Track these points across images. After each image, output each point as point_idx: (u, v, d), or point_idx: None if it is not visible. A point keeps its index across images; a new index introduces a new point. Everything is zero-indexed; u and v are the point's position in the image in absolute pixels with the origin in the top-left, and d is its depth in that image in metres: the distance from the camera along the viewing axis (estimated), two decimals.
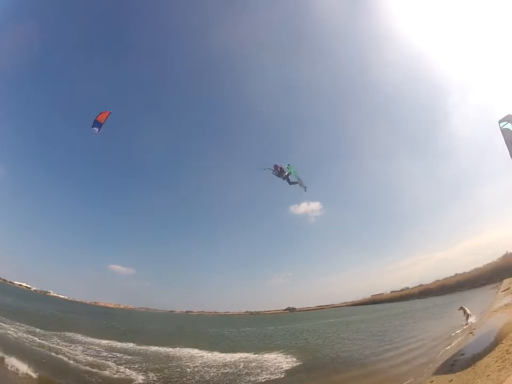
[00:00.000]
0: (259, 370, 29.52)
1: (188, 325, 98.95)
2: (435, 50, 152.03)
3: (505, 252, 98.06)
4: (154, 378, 26.03)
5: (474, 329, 33.19)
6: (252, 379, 26.66)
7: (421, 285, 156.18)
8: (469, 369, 19.25)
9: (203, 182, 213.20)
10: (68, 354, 30.98)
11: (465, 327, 36.78)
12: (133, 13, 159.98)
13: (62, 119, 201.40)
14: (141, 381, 25.23)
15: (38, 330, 41.22)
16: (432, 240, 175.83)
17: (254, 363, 33.07)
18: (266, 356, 36.47)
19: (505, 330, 24.23)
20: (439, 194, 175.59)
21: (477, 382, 16.37)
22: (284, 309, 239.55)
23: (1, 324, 39.49)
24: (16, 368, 23.60)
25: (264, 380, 26.59)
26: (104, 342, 40.93)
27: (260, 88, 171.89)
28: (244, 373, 28.99)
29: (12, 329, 37.21)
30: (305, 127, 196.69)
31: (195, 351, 39.29)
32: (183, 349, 40.81)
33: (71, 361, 28.43)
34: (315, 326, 77.01)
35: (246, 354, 37.30)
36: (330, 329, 65.01)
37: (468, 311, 39.57)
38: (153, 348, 40.11)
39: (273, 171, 26.81)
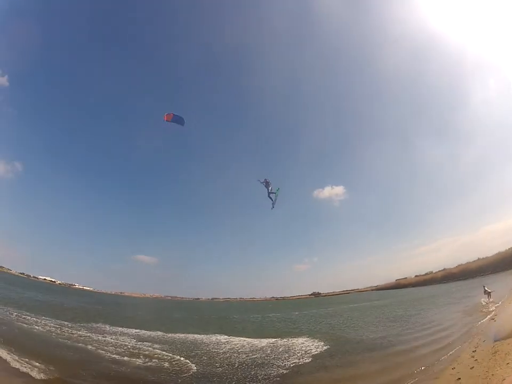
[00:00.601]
0: (287, 355, 30.36)
1: (213, 312, 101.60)
2: (454, 30, 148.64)
3: None
4: (184, 364, 27.11)
5: (495, 315, 33.58)
6: (281, 364, 27.36)
7: (444, 269, 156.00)
8: (490, 356, 19.46)
9: (227, 169, 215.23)
10: (97, 345, 32.45)
11: (488, 304, 37.43)
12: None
13: (82, 115, 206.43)
14: (168, 366, 26.50)
15: (66, 323, 42.84)
16: (456, 224, 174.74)
17: (282, 348, 34.06)
18: (292, 341, 37.45)
19: None
20: (462, 177, 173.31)
21: (497, 370, 16.61)
22: (309, 294, 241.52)
23: (28, 318, 41.25)
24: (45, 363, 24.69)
25: (293, 364, 27.27)
26: (133, 331, 42.51)
27: (280, 69, 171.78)
28: (272, 358, 29.86)
29: (39, 324, 38.88)
30: (327, 111, 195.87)
31: (222, 337, 40.55)
32: (210, 335, 42.22)
33: (102, 352, 29.81)
34: (340, 311, 78.76)
35: (273, 340, 38.39)
36: (354, 314, 66.57)
37: (489, 290, 40.65)
38: (181, 335, 41.43)
39: (263, 182, 31.19)
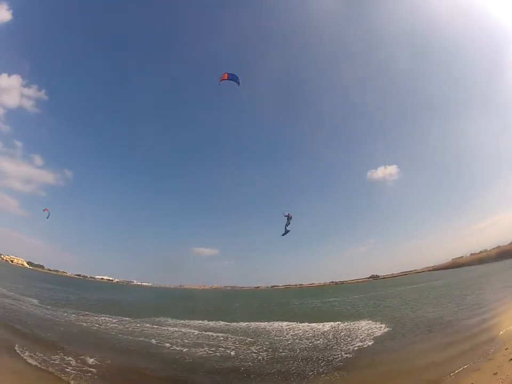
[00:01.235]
0: (349, 339, 31.09)
1: (274, 299, 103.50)
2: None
3: None
4: (248, 352, 28.32)
5: None
6: (344, 348, 28.04)
7: (498, 247, 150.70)
8: None
9: (281, 159, 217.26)
10: (160, 338, 34.41)
11: None
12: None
13: (126, 117, 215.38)
14: (233, 355, 27.74)
15: (126, 318, 45.54)
16: (509, 199, 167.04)
17: (344, 332, 34.81)
18: (354, 324, 38.20)
19: None
20: None
21: None
22: (368, 277, 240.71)
23: (87, 318, 43.97)
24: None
25: (356, 348, 27.90)
26: (196, 322, 44.44)
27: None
28: (334, 342, 30.62)
29: (99, 322, 41.33)
30: (374, 92, 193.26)
31: (284, 324, 41.78)
32: (272, 322, 43.60)
33: (166, 344, 31.59)
34: (398, 293, 79.15)
35: (334, 324, 39.23)
36: (413, 295, 66.61)
37: None
38: (243, 324, 42.93)
39: (286, 216, 31.89)
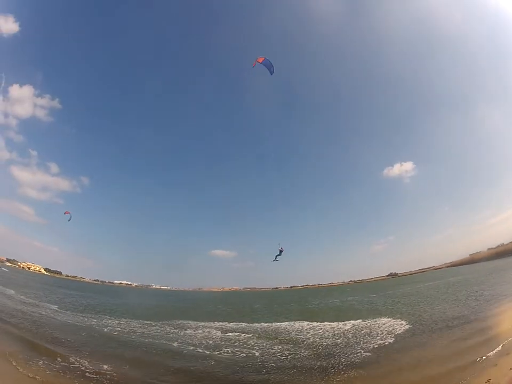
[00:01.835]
0: (369, 338, 31.62)
1: (293, 300, 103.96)
2: None
3: None
4: (272, 352, 29.02)
5: None
6: (364, 346, 28.59)
7: None
8: None
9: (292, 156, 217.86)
10: (184, 339, 35.42)
11: None
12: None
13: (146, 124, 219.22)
14: (258, 355, 28.44)
15: (148, 322, 46.46)
16: None
17: (364, 330, 35.35)
18: (373, 322, 38.74)
19: None
20: None
21: None
22: (386, 275, 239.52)
23: (108, 322, 45.15)
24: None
25: (377, 345, 28.44)
26: (217, 324, 45.20)
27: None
28: (355, 340, 31.29)
29: (120, 326, 42.50)
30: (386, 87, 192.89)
31: (305, 324, 42.32)
32: (293, 322, 44.25)
33: (190, 347, 32.26)
34: (416, 290, 79.33)
35: (354, 322, 39.81)
36: (431, 292, 66.81)
37: None
38: (264, 324, 43.83)
39: (280, 249, 37.66)
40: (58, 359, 24.68)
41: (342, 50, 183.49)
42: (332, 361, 25.06)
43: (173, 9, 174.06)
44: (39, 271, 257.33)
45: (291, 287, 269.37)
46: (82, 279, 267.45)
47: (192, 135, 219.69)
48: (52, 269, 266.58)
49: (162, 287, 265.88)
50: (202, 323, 46.27)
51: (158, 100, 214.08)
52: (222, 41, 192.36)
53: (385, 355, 25.74)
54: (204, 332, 39.89)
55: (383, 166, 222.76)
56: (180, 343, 33.95)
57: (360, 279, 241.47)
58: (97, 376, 22.05)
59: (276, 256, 37.52)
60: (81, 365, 24.04)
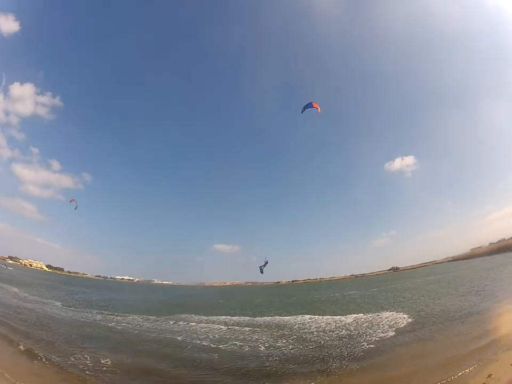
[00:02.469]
0: (371, 331, 32.03)
1: (295, 294, 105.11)
2: None
3: None
4: (277, 346, 29.38)
5: None
6: (367, 339, 29.03)
7: None
8: None
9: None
10: (188, 333, 35.85)
11: None
12: None
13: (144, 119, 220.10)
14: (263, 348, 28.79)
15: (152, 317, 47.01)
16: None
17: (365, 324, 35.85)
18: (374, 316, 39.24)
19: None
20: None
21: None
22: (388, 269, 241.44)
23: (112, 317, 45.66)
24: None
25: (378, 338, 28.91)
26: (221, 318, 45.86)
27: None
28: (357, 333, 31.75)
29: (124, 322, 42.83)
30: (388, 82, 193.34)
31: (307, 317, 42.83)
32: (295, 316, 44.88)
33: (196, 341, 32.54)
34: (417, 285, 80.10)
35: (356, 316, 40.52)
36: (431, 287, 67.13)
37: None
38: (267, 318, 44.41)
39: (265, 261, 37.79)
40: (62, 355, 24.96)
41: (343, 48, 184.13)
42: (334, 354, 25.42)
43: (173, 6, 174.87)
44: (41, 268, 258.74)
45: (293, 281, 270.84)
46: (84, 275, 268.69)
47: (195, 132, 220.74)
48: (54, 265, 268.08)
49: (164, 282, 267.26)
50: (206, 317, 46.87)
51: (159, 97, 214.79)
52: (222, 41, 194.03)
53: (386, 348, 26.03)
54: (207, 325, 40.44)
55: (384, 160, 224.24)
56: (185, 336, 34.39)
57: (362, 273, 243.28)
58: (101, 372, 22.22)
59: (261, 267, 38.26)
60: (85, 360, 24.28)
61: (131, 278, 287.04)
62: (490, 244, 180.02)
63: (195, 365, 24.75)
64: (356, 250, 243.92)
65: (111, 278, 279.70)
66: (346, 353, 25.45)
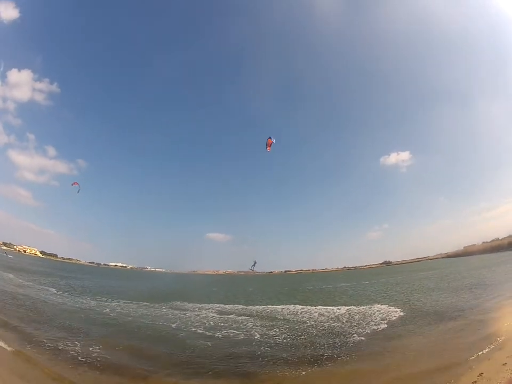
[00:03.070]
0: (363, 323, 32.15)
1: (287, 284, 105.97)
2: None
3: None
4: (270, 335, 29.56)
5: None
6: (359, 331, 29.12)
7: (510, 236, 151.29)
8: None
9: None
10: (182, 321, 36.14)
11: None
12: None
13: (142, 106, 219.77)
14: (260, 337, 28.82)
15: (145, 303, 47.79)
16: None
17: (358, 316, 36.00)
18: (367, 309, 39.34)
19: None
20: None
21: None
22: (380, 262, 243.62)
23: (107, 304, 46.27)
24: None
25: (370, 331, 28.97)
26: (215, 306, 46.20)
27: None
28: (349, 325, 31.85)
29: (119, 308, 43.54)
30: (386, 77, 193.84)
31: (299, 307, 43.12)
32: (288, 305, 45.09)
33: (192, 328, 32.89)
34: (409, 279, 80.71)
35: (348, 307, 40.63)
36: (424, 282, 67.89)
37: None
38: (260, 307, 44.69)
39: (254, 262, 42.70)
40: (55, 341, 24.89)
41: (342, 45, 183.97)
42: (326, 344, 25.58)
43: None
44: (34, 254, 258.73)
45: (285, 271, 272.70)
46: (77, 262, 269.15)
47: (190, 120, 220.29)
48: (48, 251, 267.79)
49: (157, 270, 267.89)
50: (199, 305, 47.16)
51: (157, 84, 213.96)
52: (222, 40, 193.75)
53: (377, 341, 26.11)
54: (201, 313, 40.78)
55: (379, 155, 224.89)
56: (179, 323, 34.73)
57: (354, 265, 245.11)
58: (92, 357, 22.21)
59: (250, 268, 42.85)
60: (75, 346, 24.26)
61: (124, 265, 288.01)
62: (484, 242, 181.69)
63: (188, 352, 24.85)
64: (349, 243, 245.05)
65: (104, 264, 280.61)
66: (338, 344, 25.61)
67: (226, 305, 46.80)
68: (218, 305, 47.23)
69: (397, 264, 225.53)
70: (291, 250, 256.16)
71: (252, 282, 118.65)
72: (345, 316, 36.42)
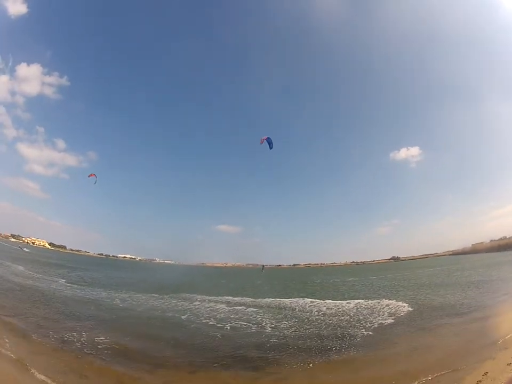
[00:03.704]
0: (371, 318, 32.12)
1: (295, 278, 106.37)
2: None
3: None
4: (279, 327, 29.93)
5: None
6: (367, 325, 29.22)
7: None
8: None
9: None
10: (193, 312, 36.57)
11: None
12: None
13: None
14: (269, 330, 29.12)
15: (155, 295, 48.23)
16: None
17: (366, 310, 36.12)
18: (374, 303, 39.48)
19: None
20: None
21: None
22: (389, 258, 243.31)
23: (116, 295, 46.88)
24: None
25: (377, 326, 29.06)
26: (224, 298, 46.58)
27: None
28: (357, 319, 32.00)
29: (130, 299, 44.03)
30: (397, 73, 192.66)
31: (307, 300, 43.49)
32: (297, 299, 45.44)
33: (202, 319, 33.37)
34: (416, 275, 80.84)
35: (356, 302, 40.95)
36: (431, 279, 67.49)
37: None
38: (268, 300, 44.87)
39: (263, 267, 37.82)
40: (62, 332, 25.05)
41: (350, 40, 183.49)
42: (334, 338, 25.72)
43: None
44: (43, 245, 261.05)
45: (294, 265, 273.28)
46: (86, 253, 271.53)
47: (201, 114, 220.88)
48: (56, 243, 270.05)
49: (166, 262, 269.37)
50: (208, 297, 47.56)
51: (167, 76, 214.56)
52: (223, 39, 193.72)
53: (385, 337, 26.02)
54: (210, 305, 41.18)
55: (389, 150, 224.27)
56: (189, 315, 35.06)
57: (362, 260, 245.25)
58: (101, 350, 22.27)
59: (261, 270, 40.81)
60: (85, 338, 24.21)
61: (133, 257, 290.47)
62: (492, 240, 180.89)
63: (197, 344, 25.10)
64: (358, 238, 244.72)
65: (113, 256, 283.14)
66: (346, 338, 25.67)
67: (235, 298, 47.17)
68: (227, 297, 47.59)
69: (405, 260, 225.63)
70: (300, 244, 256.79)
71: (260, 276, 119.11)
72: (353, 310, 36.55)
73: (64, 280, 56.96)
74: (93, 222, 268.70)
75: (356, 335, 26.49)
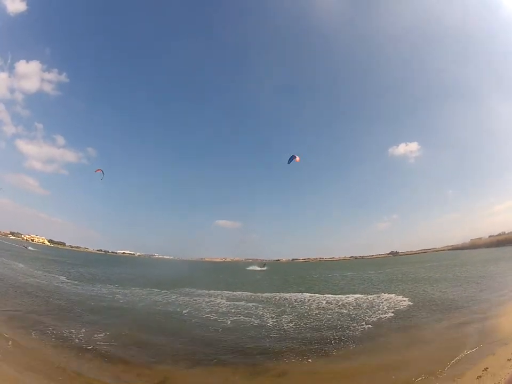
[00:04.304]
0: (370, 312, 32.32)
1: (294, 272, 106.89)
2: None
3: None
4: (279, 322, 29.94)
5: None
6: (367, 319, 29.48)
7: None
8: None
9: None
10: (193, 306, 36.70)
11: None
12: None
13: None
14: (269, 324, 29.14)
15: (155, 290, 48.60)
16: None
17: (365, 304, 36.39)
18: (373, 297, 39.67)
19: None
20: None
21: None
22: (388, 253, 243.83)
23: (119, 290, 47.24)
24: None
25: (376, 320, 29.28)
26: (224, 293, 46.62)
27: None
28: (356, 313, 32.15)
29: (130, 294, 44.26)
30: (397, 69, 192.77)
31: (307, 295, 43.75)
32: (296, 293, 45.70)
33: (202, 314, 33.46)
34: (414, 270, 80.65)
35: (355, 296, 41.21)
36: (431, 274, 67.51)
37: None
38: (268, 295, 44.97)
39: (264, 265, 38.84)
40: (61, 328, 25.06)
41: (351, 38, 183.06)
42: (333, 332, 25.79)
43: None
44: (42, 242, 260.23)
45: (292, 259, 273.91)
46: (85, 249, 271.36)
47: (200, 112, 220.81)
48: (56, 240, 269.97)
49: (165, 257, 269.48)
50: (208, 291, 47.72)
51: (167, 74, 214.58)
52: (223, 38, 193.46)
53: (385, 331, 26.16)
54: (210, 299, 41.28)
55: (388, 145, 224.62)
56: (190, 309, 35.24)
57: (361, 255, 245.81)
58: (101, 346, 22.17)
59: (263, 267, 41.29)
60: (83, 334, 24.21)
61: (132, 252, 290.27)
62: (490, 236, 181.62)
63: (196, 339, 25.10)
64: (357, 233, 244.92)
65: (112, 252, 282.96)
66: (345, 332, 25.85)
67: (235, 292, 47.39)
68: (227, 292, 47.66)
69: (404, 254, 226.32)
70: (299, 239, 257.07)
71: (260, 270, 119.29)
72: (353, 304, 36.81)
73: (64, 277, 56.87)
74: (92, 219, 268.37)
75: (356, 329, 26.65)
